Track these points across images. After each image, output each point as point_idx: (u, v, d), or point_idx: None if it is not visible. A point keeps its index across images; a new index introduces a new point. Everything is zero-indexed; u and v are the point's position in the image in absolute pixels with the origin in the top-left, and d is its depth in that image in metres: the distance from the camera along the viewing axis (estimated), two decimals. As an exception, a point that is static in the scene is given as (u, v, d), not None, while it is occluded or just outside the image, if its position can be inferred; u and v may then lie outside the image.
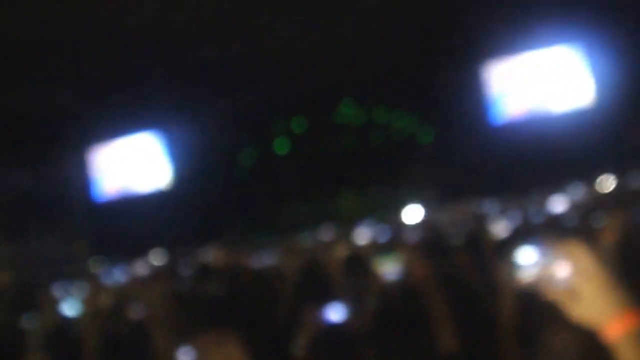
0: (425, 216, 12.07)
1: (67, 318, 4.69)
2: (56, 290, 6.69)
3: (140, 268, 10.73)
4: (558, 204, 7.19)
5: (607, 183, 9.34)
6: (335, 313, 2.92)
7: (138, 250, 13.12)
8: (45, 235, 15.41)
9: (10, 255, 13.85)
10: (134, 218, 16.31)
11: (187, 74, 15.56)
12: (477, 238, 6.61)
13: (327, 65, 16.97)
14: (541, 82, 15.40)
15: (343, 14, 14.77)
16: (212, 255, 8.48)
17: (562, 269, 1.46)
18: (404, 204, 14.62)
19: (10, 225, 14.34)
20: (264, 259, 7.64)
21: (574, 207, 6.34)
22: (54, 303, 5.03)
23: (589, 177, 10.14)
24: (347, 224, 13.49)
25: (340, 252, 5.79)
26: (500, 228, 6.02)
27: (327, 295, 3.78)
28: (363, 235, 8.93)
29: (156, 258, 12.53)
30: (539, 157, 13.77)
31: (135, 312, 4.38)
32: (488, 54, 15.50)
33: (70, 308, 4.85)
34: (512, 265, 1.47)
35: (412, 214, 12.74)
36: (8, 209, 14.78)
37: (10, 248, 14.26)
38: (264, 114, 18.86)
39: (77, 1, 12.44)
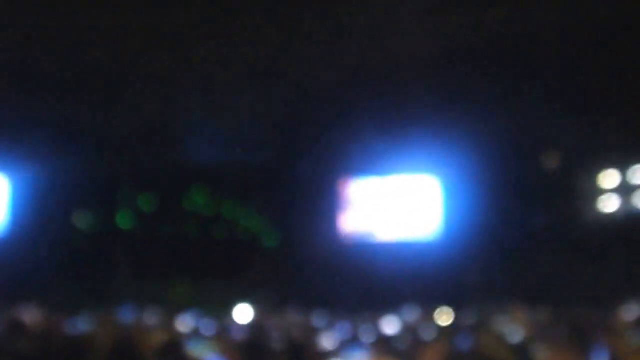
0: (254, 317, 11.87)
1: None
2: None
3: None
4: (389, 325, 7.22)
5: (444, 316, 9.55)
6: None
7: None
8: None
9: None
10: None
11: (40, 123, 15.00)
12: (301, 346, 6.50)
13: (184, 149, 16.81)
14: (393, 206, 15.77)
15: (207, 101, 14.73)
16: (27, 313, 8.00)
17: None
18: (235, 301, 14.36)
19: None
20: (80, 326, 7.31)
21: (405, 330, 6.36)
22: None
23: (425, 305, 10.36)
24: (174, 310, 13.08)
25: (158, 336, 5.56)
26: (327, 340, 5.93)
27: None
28: (186, 324, 8.68)
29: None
30: (378, 278, 13.95)
31: None
32: (346, 170, 15.79)
33: None
34: None
35: (242, 313, 12.51)
36: None
37: None
38: (113, 183, 18.39)
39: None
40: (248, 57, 13.12)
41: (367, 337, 6.54)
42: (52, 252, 17.43)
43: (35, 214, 16.90)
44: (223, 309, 14.17)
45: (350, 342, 6.27)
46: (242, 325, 9.86)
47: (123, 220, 19.01)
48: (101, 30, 12.50)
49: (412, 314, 9.44)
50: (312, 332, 8.06)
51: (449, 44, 12.53)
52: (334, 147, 14.98)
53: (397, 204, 15.84)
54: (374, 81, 13.55)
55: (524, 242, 13.93)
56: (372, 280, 14.03)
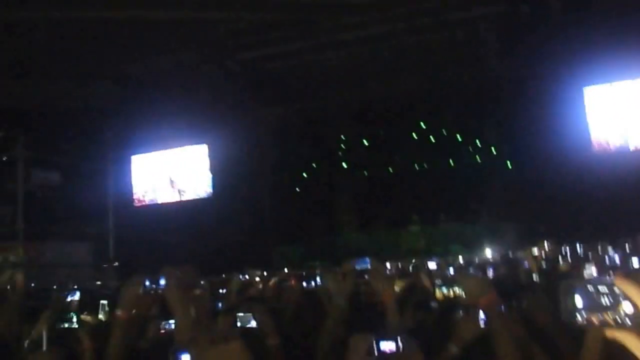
0: (500, 252, 11.50)
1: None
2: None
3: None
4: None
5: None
6: (387, 344, 2.58)
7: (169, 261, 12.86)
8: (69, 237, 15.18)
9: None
10: (168, 227, 16.03)
11: (248, 78, 15.36)
12: (558, 280, 6.16)
13: (406, 79, 16.46)
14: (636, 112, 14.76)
15: (425, 27, 14.40)
16: (256, 274, 8.21)
17: None
18: (477, 238, 14.05)
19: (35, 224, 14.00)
20: (313, 282, 7.42)
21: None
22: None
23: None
24: (411, 255, 13.00)
25: (397, 283, 5.44)
26: (589, 266, 5.53)
27: (377, 325, 3.42)
28: (428, 267, 8.53)
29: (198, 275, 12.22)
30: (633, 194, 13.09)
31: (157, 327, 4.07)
32: (583, 79, 14.87)
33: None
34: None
35: (486, 249, 12.22)
36: (39, 207, 14.44)
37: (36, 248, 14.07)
38: (330, 125, 18.53)
39: None
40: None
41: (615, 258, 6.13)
42: (276, 207, 17.89)
43: (246, 172, 17.31)
44: (464, 248, 13.91)
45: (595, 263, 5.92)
46: (489, 261, 9.61)
47: (345, 161, 19.12)
48: None
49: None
50: (580, 261, 7.69)
51: None
52: (579, 54, 14.08)
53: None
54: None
55: None
56: (625, 196, 13.16)
